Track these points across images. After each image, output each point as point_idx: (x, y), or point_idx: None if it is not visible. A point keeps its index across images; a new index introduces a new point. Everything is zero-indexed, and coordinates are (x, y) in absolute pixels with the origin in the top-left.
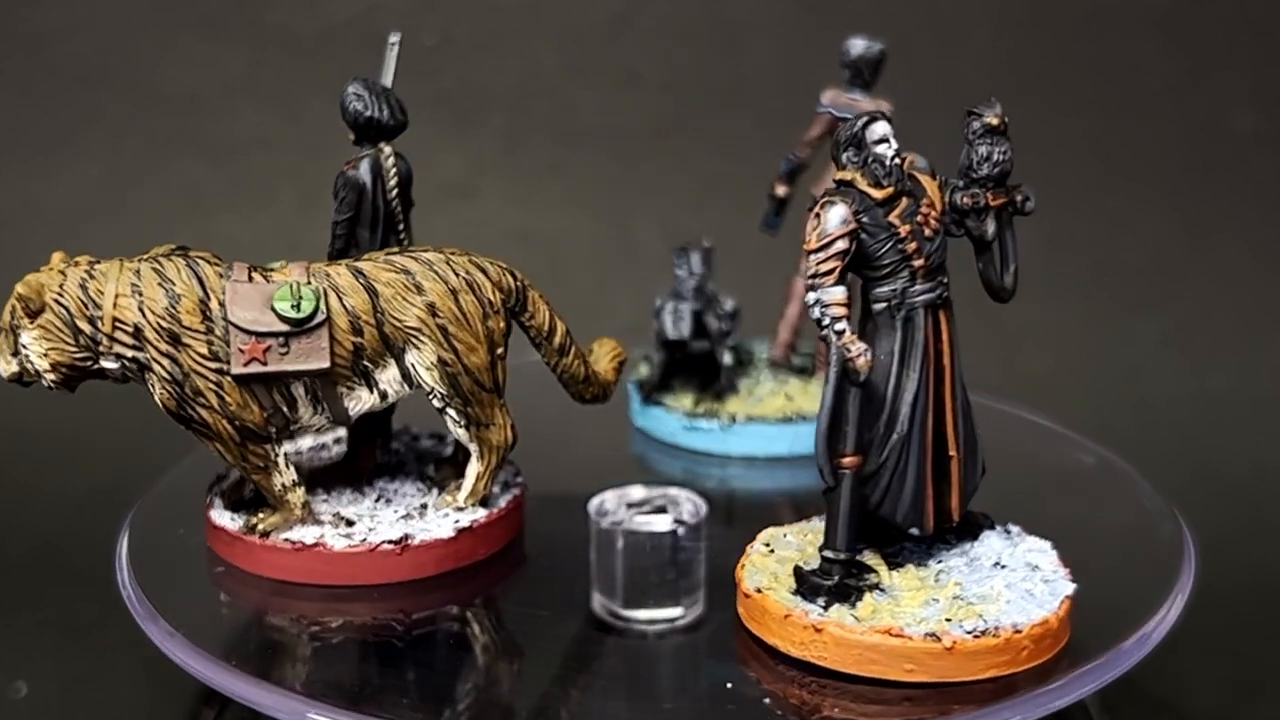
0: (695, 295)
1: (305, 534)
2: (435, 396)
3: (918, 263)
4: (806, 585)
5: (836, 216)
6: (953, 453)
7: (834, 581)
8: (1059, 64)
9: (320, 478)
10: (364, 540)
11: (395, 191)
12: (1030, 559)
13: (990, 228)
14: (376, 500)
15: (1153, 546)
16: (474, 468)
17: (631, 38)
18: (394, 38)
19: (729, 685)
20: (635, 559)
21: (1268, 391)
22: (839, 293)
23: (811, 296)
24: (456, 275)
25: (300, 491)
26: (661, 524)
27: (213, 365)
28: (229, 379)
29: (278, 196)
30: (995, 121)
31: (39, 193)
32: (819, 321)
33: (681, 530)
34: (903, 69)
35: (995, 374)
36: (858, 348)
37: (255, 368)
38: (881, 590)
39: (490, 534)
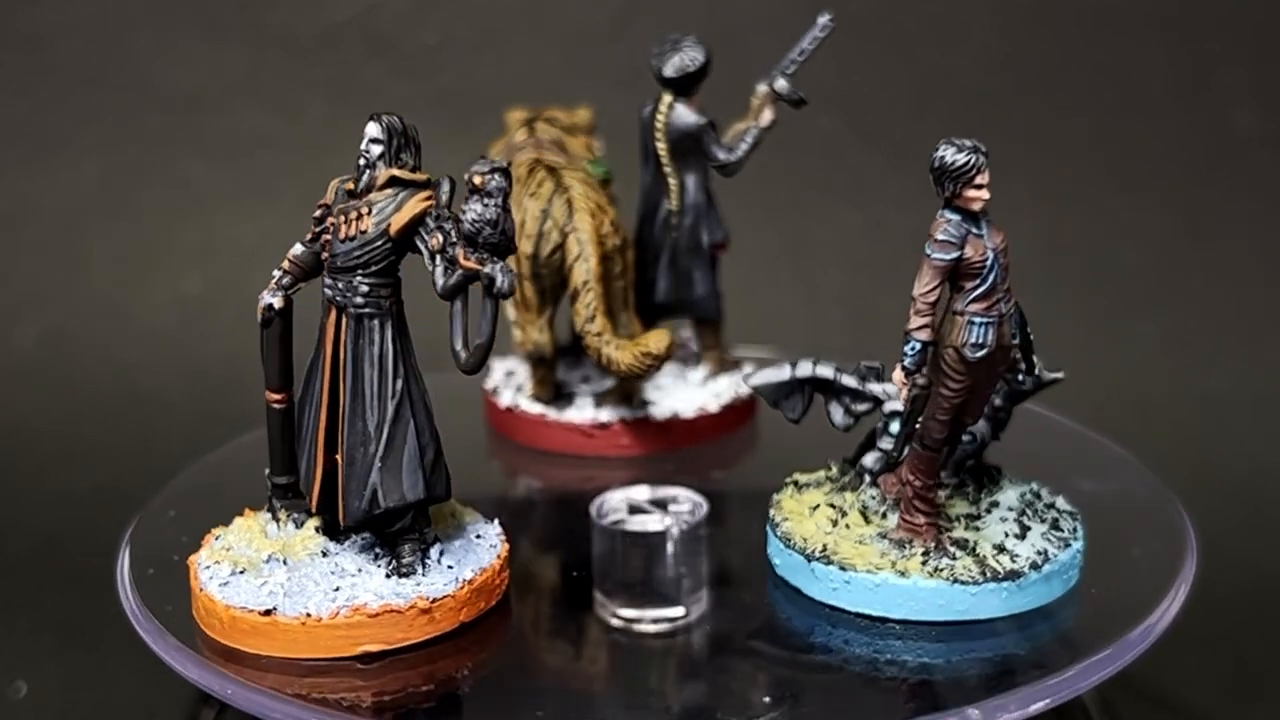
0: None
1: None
2: None
3: (324, 255)
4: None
5: (329, 188)
6: (337, 456)
7: (268, 494)
8: (1059, 64)
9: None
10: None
11: (660, 138)
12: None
13: (446, 281)
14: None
15: (1155, 540)
16: None
17: (631, 38)
18: (824, 18)
19: None
20: (636, 559)
21: (1268, 391)
22: (295, 250)
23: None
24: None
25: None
26: (658, 524)
27: None
28: None
29: (278, 196)
30: (471, 179)
31: (39, 193)
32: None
33: (679, 530)
34: (903, 69)
35: None
36: (262, 300)
37: None
38: (296, 525)
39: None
